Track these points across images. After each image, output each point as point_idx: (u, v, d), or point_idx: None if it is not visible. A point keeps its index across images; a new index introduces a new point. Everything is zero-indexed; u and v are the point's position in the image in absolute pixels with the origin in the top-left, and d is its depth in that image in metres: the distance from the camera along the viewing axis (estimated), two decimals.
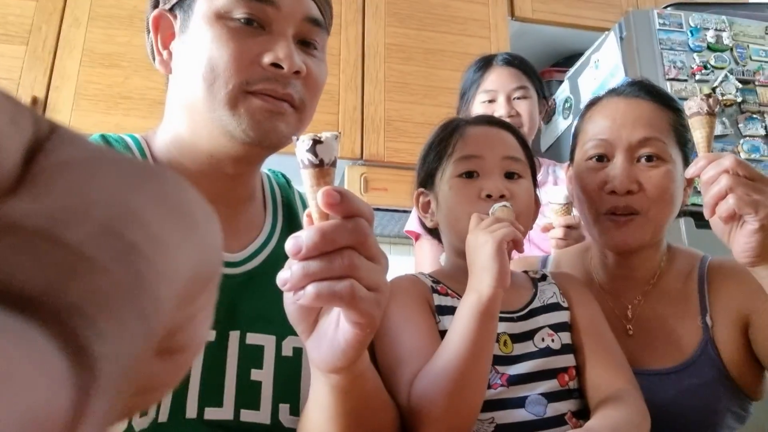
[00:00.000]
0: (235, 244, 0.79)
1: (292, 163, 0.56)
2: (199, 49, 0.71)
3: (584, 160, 0.98)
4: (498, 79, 1.57)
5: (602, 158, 0.96)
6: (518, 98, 1.55)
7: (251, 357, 0.74)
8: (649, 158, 0.93)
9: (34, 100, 1.93)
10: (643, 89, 0.99)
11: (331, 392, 0.61)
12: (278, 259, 0.76)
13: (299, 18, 0.74)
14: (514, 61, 1.58)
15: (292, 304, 0.55)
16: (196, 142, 0.75)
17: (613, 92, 1.02)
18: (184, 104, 0.75)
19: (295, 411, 0.74)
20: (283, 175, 0.95)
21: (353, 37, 2.27)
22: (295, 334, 0.74)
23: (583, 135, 1.01)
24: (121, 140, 0.79)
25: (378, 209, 2.11)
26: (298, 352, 0.77)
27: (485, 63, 1.61)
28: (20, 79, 1.96)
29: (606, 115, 0.98)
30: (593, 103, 1.04)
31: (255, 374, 0.73)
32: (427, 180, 0.95)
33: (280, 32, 0.73)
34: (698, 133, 0.82)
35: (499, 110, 1.53)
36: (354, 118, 2.17)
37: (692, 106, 0.82)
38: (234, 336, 0.74)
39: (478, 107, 1.57)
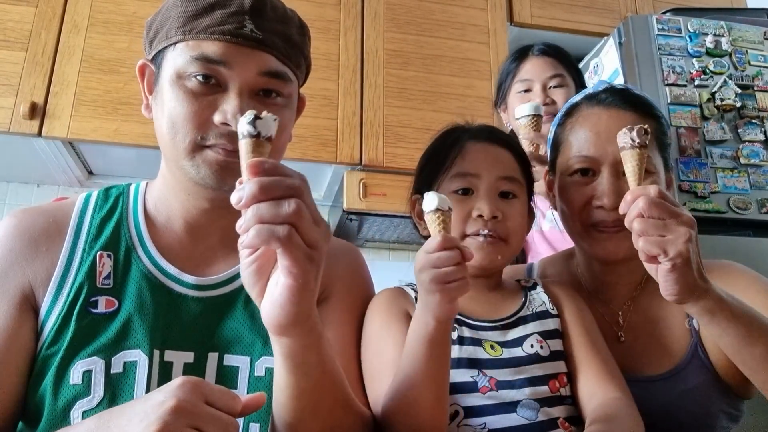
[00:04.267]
0: (215, 270, 0.84)
1: None
2: (165, 105, 0.78)
3: (568, 174, 0.97)
4: (533, 69, 1.54)
5: (587, 172, 0.95)
6: (554, 87, 1.52)
7: (227, 377, 0.78)
8: None
9: (34, 106, 1.93)
10: (622, 98, 0.98)
11: (284, 364, 0.65)
12: None
13: (254, 74, 0.78)
14: (549, 50, 1.55)
15: (245, 269, 0.61)
16: (175, 185, 0.83)
17: (592, 100, 1.00)
18: (162, 149, 0.82)
19: (265, 430, 0.77)
20: None
21: (352, 42, 2.27)
22: (267, 354, 0.80)
23: (566, 147, 0.99)
24: (122, 187, 0.88)
25: (377, 215, 2.11)
26: (271, 371, 0.79)
27: (521, 53, 1.58)
28: (20, 84, 1.96)
29: (588, 128, 0.96)
30: (571, 111, 1.02)
31: None
32: (423, 188, 0.95)
33: (233, 90, 0.77)
34: (627, 167, 0.78)
35: (535, 99, 1.50)
36: (353, 123, 2.17)
37: (619, 141, 0.78)
38: (212, 358, 0.78)
39: (515, 98, 1.55)
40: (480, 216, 0.86)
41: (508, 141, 0.94)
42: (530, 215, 0.96)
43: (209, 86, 0.77)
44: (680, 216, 0.73)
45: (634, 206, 0.74)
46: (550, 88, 1.52)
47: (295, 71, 0.84)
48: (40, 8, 2.05)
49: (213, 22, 0.76)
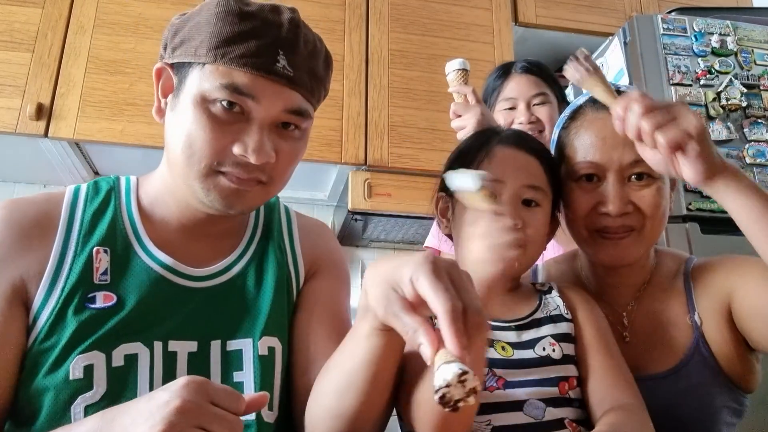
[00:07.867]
0: (211, 262, 0.86)
1: None
2: (183, 123, 0.78)
3: (574, 179, 0.97)
4: (517, 87, 1.59)
5: (592, 177, 0.95)
6: (538, 104, 1.57)
7: (232, 361, 0.79)
8: (640, 176, 0.93)
9: (40, 107, 1.94)
10: None
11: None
12: (247, 271, 0.87)
13: (278, 110, 0.79)
14: (532, 69, 1.61)
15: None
16: (176, 192, 0.84)
17: (597, 104, 0.98)
18: (170, 160, 0.82)
19: (271, 406, 0.78)
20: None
21: (357, 42, 2.27)
22: (268, 334, 0.81)
23: (571, 151, 0.98)
24: (111, 181, 0.88)
25: (382, 215, 2.11)
26: (272, 350, 0.82)
27: (504, 71, 1.63)
28: (26, 85, 1.98)
29: (594, 133, 0.96)
30: (575, 114, 1.01)
31: (237, 376, 0.79)
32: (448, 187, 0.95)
33: (256, 123, 0.78)
34: (597, 91, 0.85)
35: (520, 117, 1.56)
36: (358, 123, 2.18)
37: (571, 76, 0.85)
38: (215, 345, 0.80)
39: (499, 115, 1.60)
40: None
41: (537, 149, 0.93)
42: (555, 224, 0.96)
43: (233, 113, 0.77)
44: (671, 102, 0.74)
45: (631, 112, 0.76)
46: (533, 105, 1.57)
47: (315, 105, 0.86)
48: (46, 9, 2.06)
49: (247, 51, 0.76)
